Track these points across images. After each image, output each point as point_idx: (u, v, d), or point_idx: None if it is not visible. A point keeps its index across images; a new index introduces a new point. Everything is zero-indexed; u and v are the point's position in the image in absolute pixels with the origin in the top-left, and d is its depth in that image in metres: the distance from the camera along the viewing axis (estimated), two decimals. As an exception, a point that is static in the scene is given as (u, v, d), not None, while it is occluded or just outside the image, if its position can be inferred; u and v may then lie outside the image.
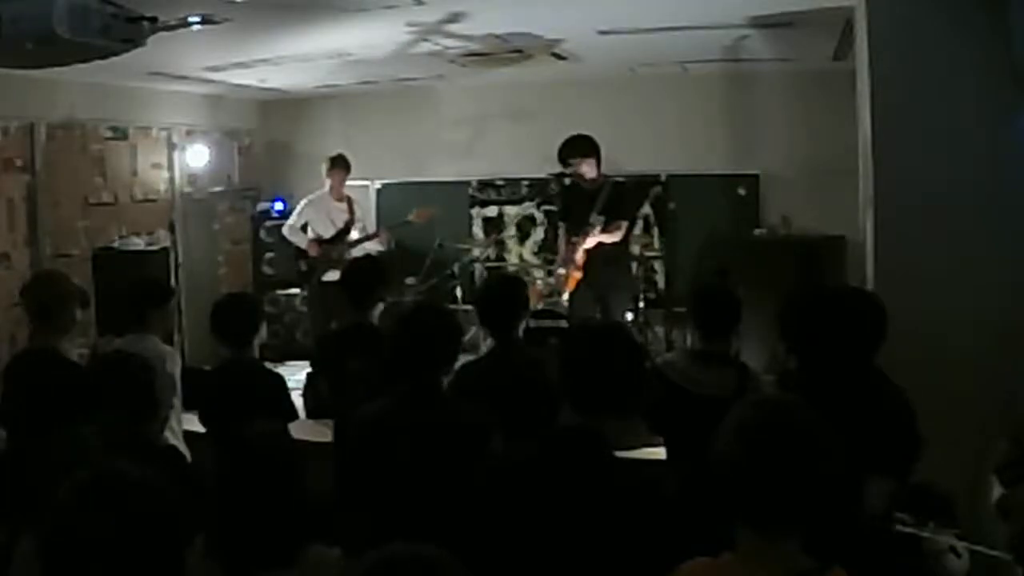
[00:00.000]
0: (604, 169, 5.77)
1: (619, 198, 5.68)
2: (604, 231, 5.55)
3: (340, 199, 6.83)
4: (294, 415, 3.71)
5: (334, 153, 6.88)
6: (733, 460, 1.55)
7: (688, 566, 1.64)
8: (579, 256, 5.63)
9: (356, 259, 4.40)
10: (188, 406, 3.78)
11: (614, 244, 5.63)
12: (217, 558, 1.77)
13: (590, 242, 5.58)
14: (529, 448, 2.17)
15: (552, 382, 2.26)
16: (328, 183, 6.81)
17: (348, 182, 6.91)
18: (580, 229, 5.68)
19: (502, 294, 3.49)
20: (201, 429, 3.70)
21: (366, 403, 2.73)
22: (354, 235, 6.80)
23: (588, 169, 5.67)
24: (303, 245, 6.77)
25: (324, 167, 6.83)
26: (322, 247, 6.73)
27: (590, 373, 2.12)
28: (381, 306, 3.99)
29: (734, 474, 1.55)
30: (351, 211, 6.84)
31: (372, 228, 7.05)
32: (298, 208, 6.95)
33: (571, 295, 5.73)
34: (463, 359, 3.08)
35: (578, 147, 5.69)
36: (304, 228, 6.78)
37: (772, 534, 1.54)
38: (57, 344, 3.45)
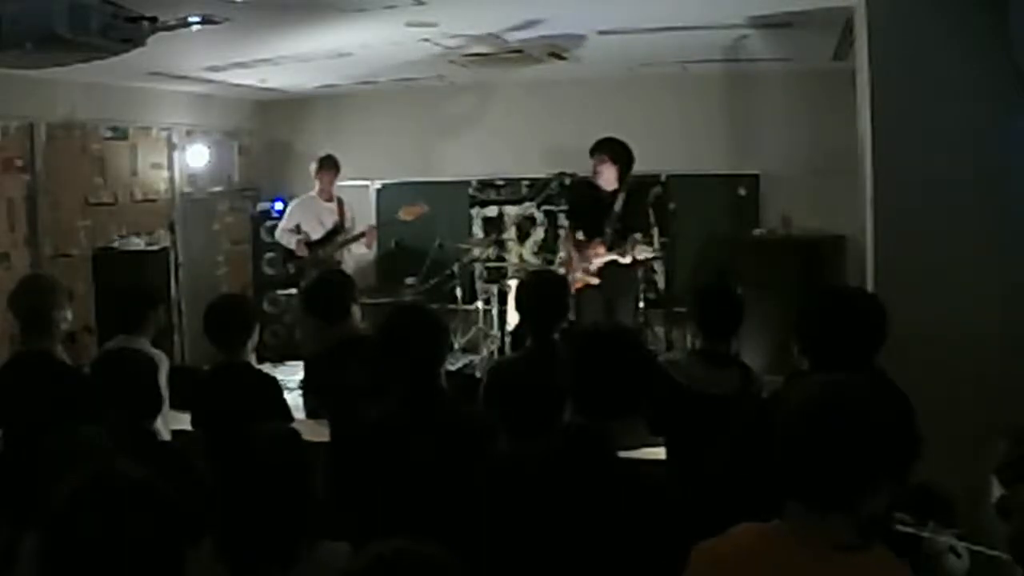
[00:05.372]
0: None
1: (632, 208, 5.66)
2: (640, 248, 5.53)
3: (329, 200, 6.82)
4: (288, 418, 3.67)
5: (323, 153, 6.88)
6: (793, 434, 1.60)
7: (738, 529, 1.68)
8: (595, 264, 5.61)
9: (320, 276, 4.23)
10: (182, 407, 3.76)
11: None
12: (226, 560, 1.77)
13: (627, 259, 5.53)
14: (533, 448, 2.17)
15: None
16: (317, 184, 6.82)
17: (348, 182, 6.89)
18: (593, 235, 5.66)
19: (543, 294, 3.46)
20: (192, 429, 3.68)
21: (364, 406, 2.72)
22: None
23: (607, 174, 5.63)
24: (293, 247, 6.77)
25: (312, 167, 6.84)
26: (310, 249, 6.73)
27: (602, 378, 2.10)
28: (358, 311, 3.87)
29: (792, 447, 1.59)
30: (341, 212, 6.82)
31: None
32: (288, 210, 6.97)
33: (578, 298, 5.71)
34: (470, 358, 3.05)
35: (604, 148, 5.65)
36: (297, 230, 6.77)
37: (822, 508, 1.57)
38: (48, 346, 3.45)
